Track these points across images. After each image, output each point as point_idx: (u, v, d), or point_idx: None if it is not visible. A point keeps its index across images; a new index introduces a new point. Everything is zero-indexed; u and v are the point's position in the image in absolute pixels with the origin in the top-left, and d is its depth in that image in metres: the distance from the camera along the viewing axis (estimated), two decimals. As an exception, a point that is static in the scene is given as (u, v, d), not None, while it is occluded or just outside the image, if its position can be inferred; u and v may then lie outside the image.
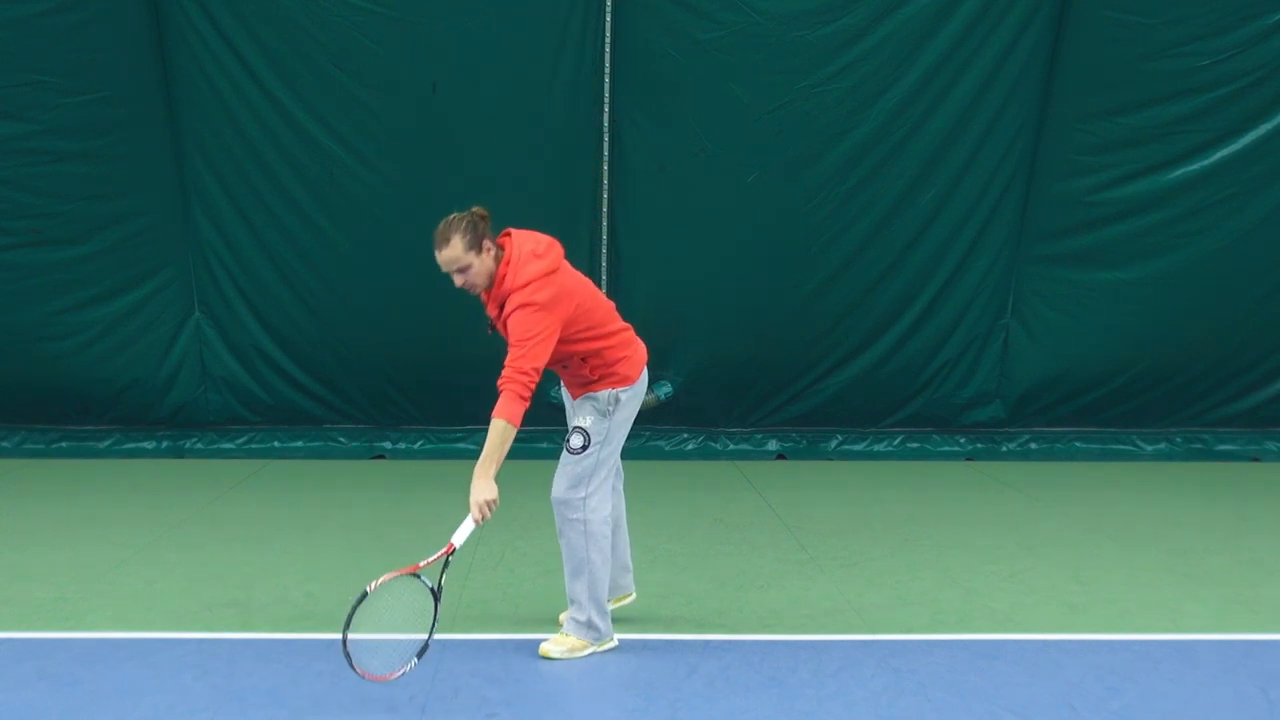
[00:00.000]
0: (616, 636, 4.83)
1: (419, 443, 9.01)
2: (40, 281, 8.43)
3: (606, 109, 8.28)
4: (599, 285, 8.52)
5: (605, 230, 8.57)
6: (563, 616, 4.86)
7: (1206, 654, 4.90)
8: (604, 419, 4.67)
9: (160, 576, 5.83)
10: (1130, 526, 7.06)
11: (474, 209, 4.52)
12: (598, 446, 4.66)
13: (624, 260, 8.68)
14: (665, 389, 8.89)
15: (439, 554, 4.35)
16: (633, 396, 4.73)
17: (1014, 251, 8.72)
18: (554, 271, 4.48)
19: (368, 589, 4.17)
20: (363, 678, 4.17)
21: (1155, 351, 8.99)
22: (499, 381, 4.35)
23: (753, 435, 9.17)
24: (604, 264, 8.62)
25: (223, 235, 8.53)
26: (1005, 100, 8.32)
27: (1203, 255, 8.66)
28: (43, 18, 7.77)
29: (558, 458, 4.73)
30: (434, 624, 4.33)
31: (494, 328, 4.62)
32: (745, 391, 9.06)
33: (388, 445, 9.02)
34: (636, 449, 8.38)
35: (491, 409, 4.34)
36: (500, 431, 4.32)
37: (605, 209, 8.52)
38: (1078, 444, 9.22)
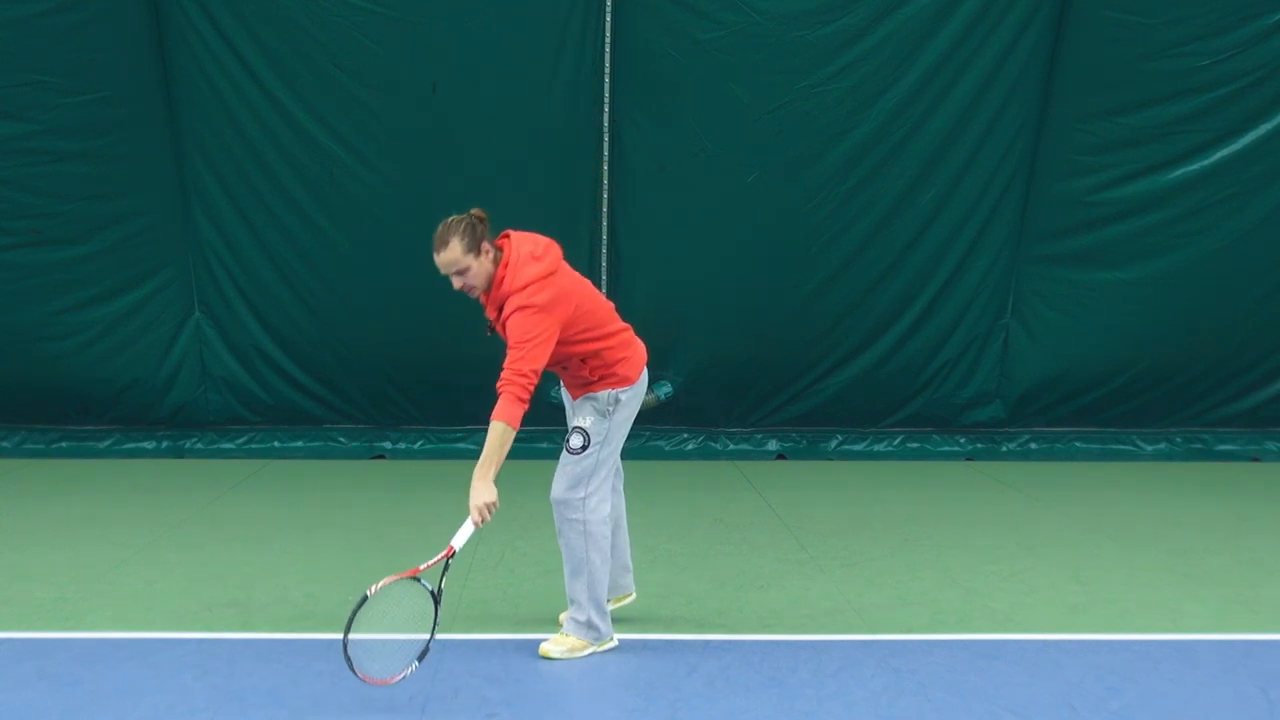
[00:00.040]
0: (616, 636, 4.83)
1: (419, 443, 9.02)
2: (40, 281, 8.43)
3: (606, 109, 8.28)
4: (599, 285, 8.52)
5: (605, 230, 8.57)
6: (563, 616, 4.86)
7: (1206, 654, 4.90)
8: (604, 419, 4.67)
9: (160, 576, 5.83)
10: (1130, 526, 7.06)
11: (472, 211, 4.52)
12: (597, 447, 4.66)
13: (624, 260, 8.68)
14: (665, 389, 8.89)
15: (439, 557, 4.35)
16: (633, 397, 4.73)
17: (1014, 251, 8.72)
18: (552, 273, 4.48)
19: (368, 593, 4.17)
20: (364, 682, 4.17)
21: (1155, 351, 8.99)
22: (498, 384, 4.35)
23: (753, 435, 9.17)
24: (604, 264, 8.62)
25: (223, 235, 8.53)
26: (1005, 100, 8.32)
27: (1203, 255, 8.66)
28: (43, 18, 7.77)
29: (557, 458, 4.73)
30: (434, 627, 4.34)
31: (493, 330, 4.62)
32: (745, 391, 9.06)
33: (388, 445, 9.02)
34: (636, 449, 8.38)
35: (491, 409, 4.35)
36: (499, 434, 4.32)
37: (605, 209, 8.52)
38: (1078, 444, 9.22)
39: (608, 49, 8.10)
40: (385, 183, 8.36)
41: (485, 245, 4.48)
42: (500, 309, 4.50)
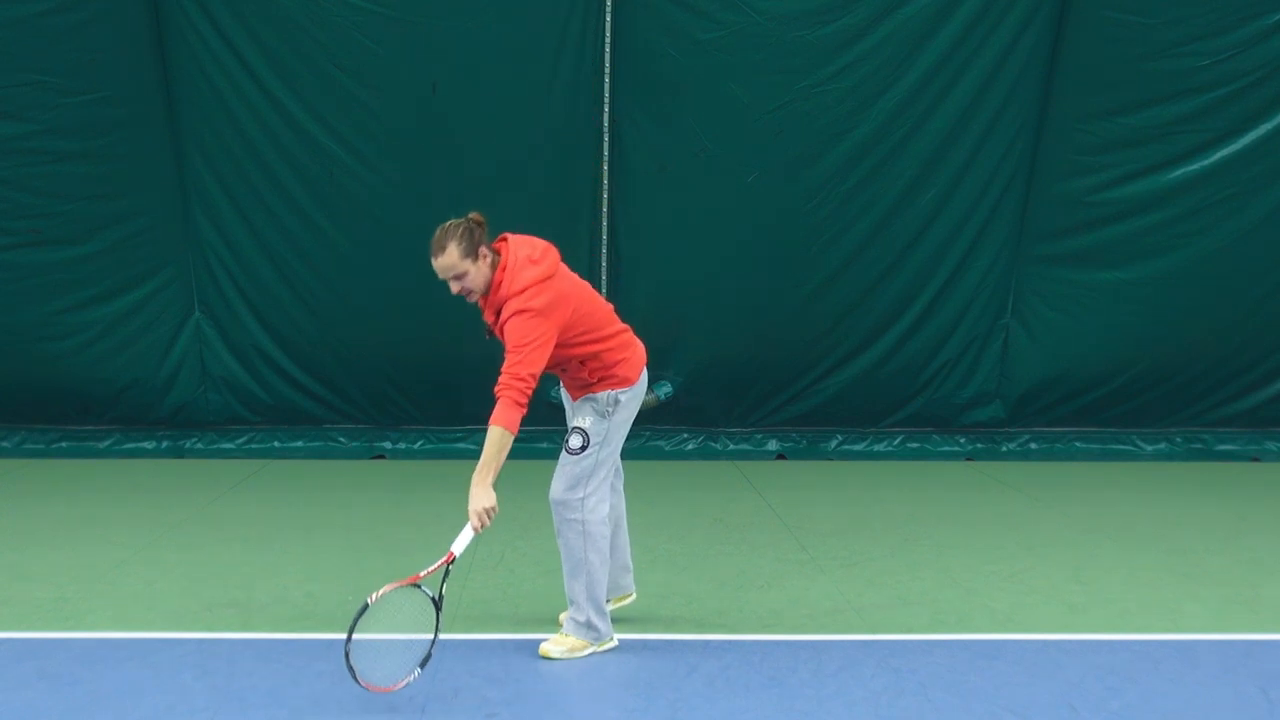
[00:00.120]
0: (616, 636, 4.83)
1: (419, 443, 9.02)
2: (40, 281, 8.43)
3: (606, 109, 8.28)
4: (599, 285, 8.53)
5: (605, 230, 8.57)
6: (563, 616, 4.86)
7: (1206, 654, 4.90)
8: (603, 420, 4.67)
9: (160, 576, 5.83)
10: (1130, 526, 7.06)
11: (470, 215, 4.52)
12: (596, 447, 4.66)
13: (624, 260, 8.68)
14: (665, 389, 8.89)
15: (439, 563, 4.35)
16: (632, 398, 4.73)
17: (1014, 251, 8.72)
18: (550, 277, 4.48)
19: (369, 601, 4.17)
20: (366, 689, 4.17)
21: (1155, 351, 8.99)
22: (496, 388, 4.35)
23: (753, 435, 9.17)
24: (604, 264, 8.62)
25: (223, 235, 8.53)
26: (1005, 100, 8.31)
27: (1203, 255, 8.66)
28: (43, 18, 7.77)
29: (557, 458, 4.73)
30: (436, 633, 4.33)
31: (491, 333, 4.62)
32: (745, 391, 9.06)
33: (388, 445, 9.02)
34: (636, 449, 8.38)
35: (491, 410, 4.35)
36: (497, 439, 4.32)
37: (605, 209, 8.52)
38: (1078, 444, 9.22)
39: (608, 49, 8.09)
40: (385, 183, 8.36)
41: (483, 249, 4.48)
42: (498, 313, 4.50)
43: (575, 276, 4.68)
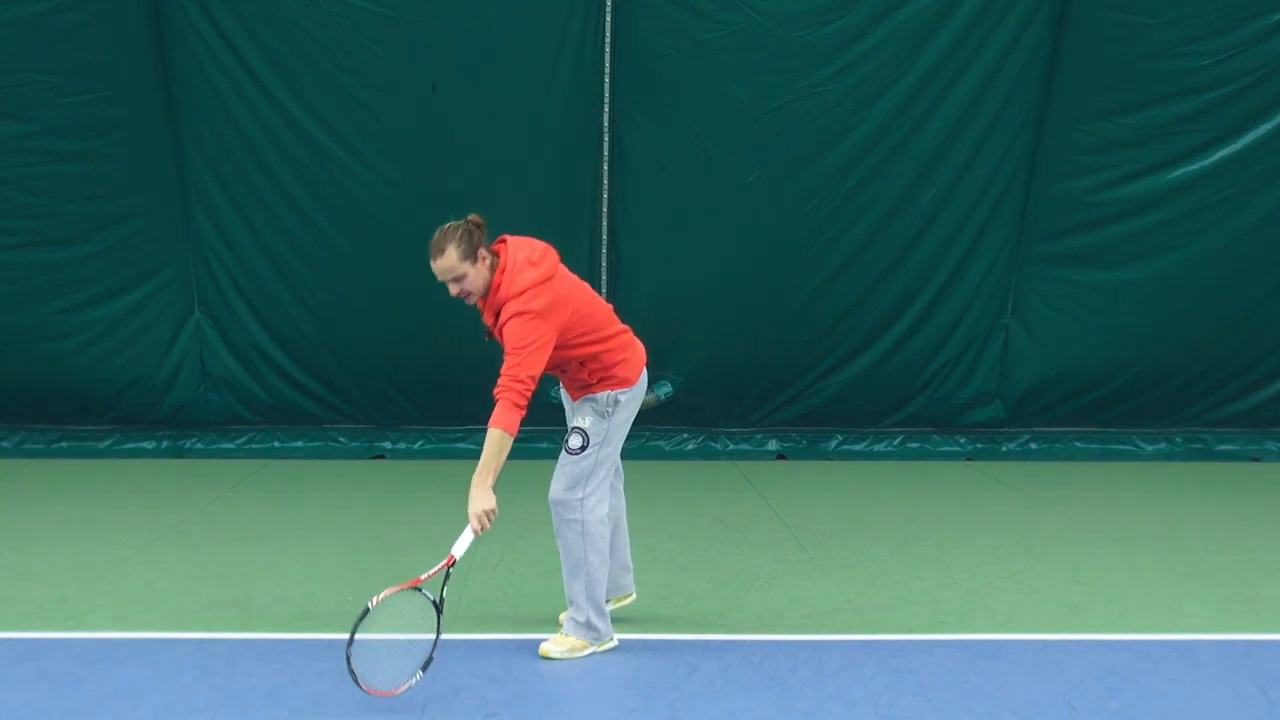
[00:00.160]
0: (616, 636, 4.83)
1: (419, 443, 9.02)
2: (40, 281, 8.43)
3: (606, 109, 8.28)
4: (599, 285, 8.53)
5: (605, 230, 8.57)
6: (563, 616, 4.86)
7: (1206, 654, 4.90)
8: (603, 420, 4.67)
9: (160, 576, 5.83)
10: (1130, 526, 7.06)
11: (469, 217, 4.52)
12: (596, 447, 4.66)
13: (624, 260, 8.67)
14: (665, 389, 8.89)
15: (440, 566, 4.35)
16: (632, 398, 4.73)
17: (1014, 251, 8.72)
18: (549, 279, 4.48)
19: (369, 605, 4.16)
20: (368, 694, 4.17)
21: (1155, 351, 8.99)
22: (495, 390, 4.35)
23: (753, 435, 9.17)
24: (604, 264, 8.62)
25: (223, 235, 8.53)
26: (1005, 100, 8.31)
27: (1203, 255, 8.66)
28: (43, 18, 7.77)
29: (557, 458, 4.73)
30: (438, 636, 4.33)
31: (490, 335, 4.62)
32: (745, 391, 9.06)
33: (388, 445, 9.02)
34: (636, 449, 8.38)
35: (491, 410, 4.35)
36: (496, 441, 4.32)
37: (605, 209, 8.52)
38: (1078, 444, 9.22)
39: (608, 49, 8.09)
40: (385, 183, 8.36)
41: (482, 252, 4.48)
42: (497, 315, 4.50)
43: (575, 277, 4.68)
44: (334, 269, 8.59)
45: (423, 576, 4.34)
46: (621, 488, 5.02)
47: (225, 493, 7.76)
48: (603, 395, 4.67)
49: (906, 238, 8.62)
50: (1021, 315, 8.90)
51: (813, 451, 9.11)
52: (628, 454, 5.03)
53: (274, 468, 8.63)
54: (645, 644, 4.89)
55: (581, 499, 4.64)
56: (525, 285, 4.42)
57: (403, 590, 4.28)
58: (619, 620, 4.98)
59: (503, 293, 4.46)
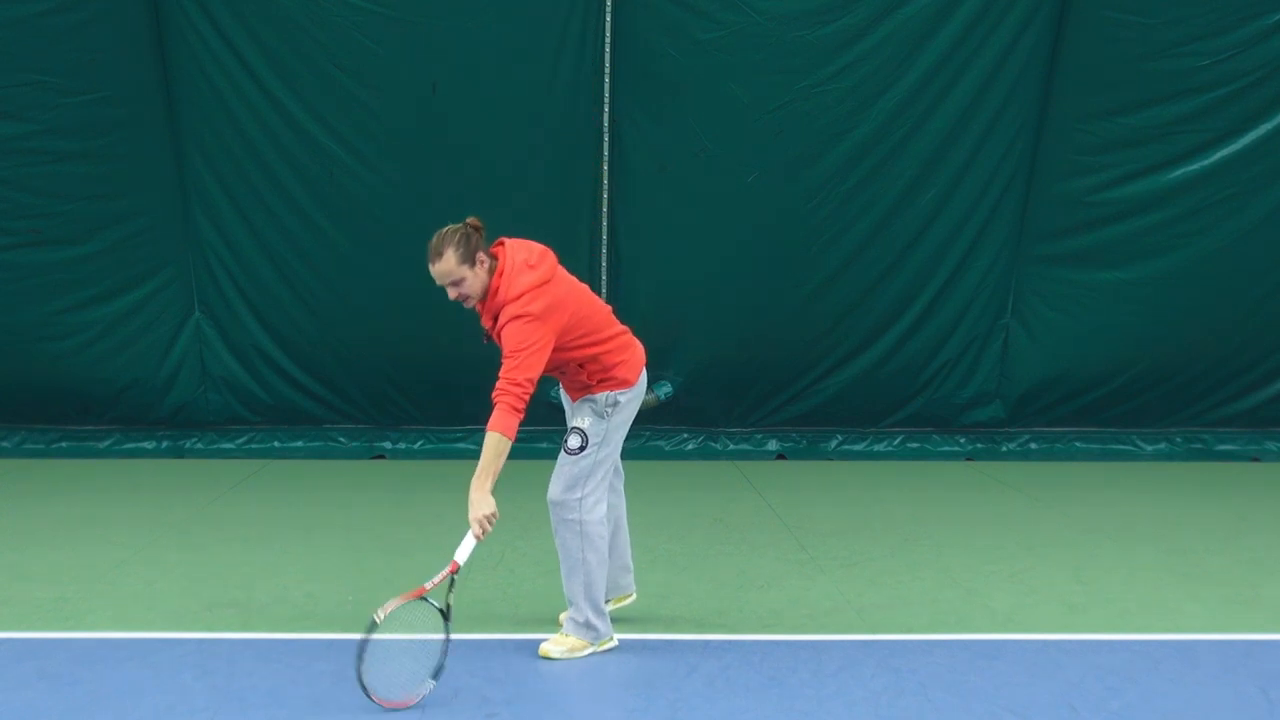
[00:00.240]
0: (616, 636, 4.83)
1: (419, 443, 9.01)
2: (40, 281, 8.43)
3: (606, 109, 8.28)
4: (599, 286, 8.53)
5: (605, 230, 8.57)
6: (563, 616, 4.86)
7: (1206, 654, 4.90)
8: (602, 420, 4.67)
9: (160, 576, 5.83)
10: (1130, 526, 7.06)
11: (468, 220, 4.51)
12: (595, 448, 4.66)
13: (624, 260, 8.67)
14: (665, 389, 8.89)
15: (443, 574, 4.34)
16: (631, 399, 4.73)
17: (1014, 251, 8.72)
18: (547, 281, 4.47)
19: (376, 618, 4.15)
20: (383, 707, 4.16)
21: (1155, 351, 8.99)
22: (493, 394, 4.35)
23: (753, 435, 9.17)
24: (604, 264, 8.62)
25: (223, 235, 8.53)
26: (1005, 100, 8.31)
27: (1203, 255, 8.66)
28: (43, 18, 7.77)
29: (556, 458, 4.73)
30: (446, 644, 4.32)
31: (489, 338, 4.61)
32: (745, 391, 9.06)
33: (388, 445, 9.02)
34: (636, 449, 8.38)
35: (491, 410, 4.35)
36: (495, 445, 4.31)
37: (605, 209, 8.52)
38: (1078, 444, 9.22)
39: (608, 49, 8.09)
40: (385, 183, 8.36)
41: (480, 255, 4.47)
42: (496, 318, 4.49)
43: (573, 279, 4.67)
44: (334, 269, 8.59)
45: (427, 586, 4.33)
46: (622, 488, 5.02)
47: (225, 493, 7.76)
48: (602, 396, 4.67)
49: (906, 238, 8.62)
50: (1021, 315, 8.90)
51: (813, 451, 9.11)
52: (628, 454, 5.03)
53: (274, 468, 8.63)
54: (645, 644, 4.88)
55: (580, 499, 4.64)
56: (523, 288, 4.42)
57: (408, 601, 4.27)
58: (619, 620, 4.98)
59: (501, 296, 4.46)
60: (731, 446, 9.10)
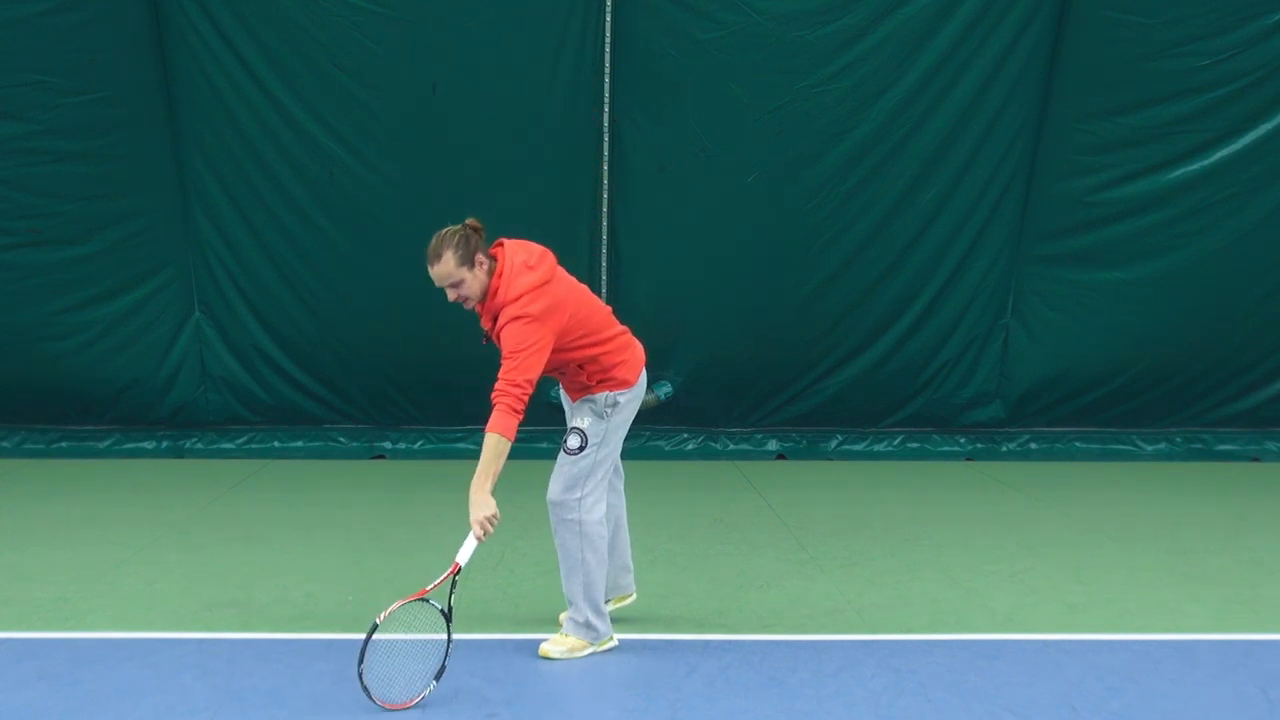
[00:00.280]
0: (616, 636, 4.83)
1: (419, 443, 9.01)
2: (40, 281, 8.43)
3: (606, 109, 8.28)
4: (599, 286, 8.53)
5: (605, 230, 8.57)
6: (563, 616, 4.86)
7: (1206, 654, 4.90)
8: (601, 421, 4.67)
9: (160, 576, 5.83)
10: (1130, 526, 7.06)
11: (467, 222, 4.51)
12: (595, 448, 4.66)
13: (624, 260, 8.67)
14: (665, 389, 8.88)
15: (445, 575, 4.35)
16: (631, 399, 4.73)
17: (1014, 251, 8.72)
18: (547, 282, 4.47)
19: (377, 620, 4.16)
20: (384, 708, 4.16)
21: (1155, 351, 8.99)
22: (492, 395, 4.35)
23: (753, 435, 9.17)
24: (604, 264, 8.62)
25: (223, 235, 8.53)
26: (1005, 100, 8.31)
27: (1203, 255, 8.66)
28: (43, 18, 7.77)
29: (555, 458, 4.73)
30: (449, 646, 4.32)
31: (489, 339, 4.61)
32: (745, 391, 9.06)
33: (388, 445, 9.02)
34: (636, 449, 8.38)
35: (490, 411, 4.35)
36: (494, 446, 4.32)
37: (605, 209, 8.52)
38: (1078, 444, 9.22)
39: (608, 49, 8.09)
40: (385, 183, 8.36)
41: (479, 257, 4.47)
42: (495, 319, 4.49)
43: (573, 280, 4.67)
44: (334, 269, 8.59)
45: (429, 587, 4.34)
46: (622, 488, 5.02)
47: (225, 493, 7.77)
48: (601, 396, 4.67)
49: (906, 238, 8.62)
50: (1021, 315, 8.90)
51: (813, 451, 9.11)
52: (628, 454, 5.03)
53: (274, 468, 8.63)
54: (645, 644, 4.89)
55: (579, 499, 4.64)
56: (522, 289, 4.42)
57: (409, 602, 4.27)
58: (619, 620, 4.98)
59: (500, 297, 4.46)
60: (731, 446, 9.10)
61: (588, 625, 4.73)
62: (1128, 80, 8.21)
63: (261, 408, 8.96)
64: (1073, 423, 9.25)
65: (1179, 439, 9.26)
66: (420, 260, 4.53)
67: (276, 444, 8.97)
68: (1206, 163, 8.44)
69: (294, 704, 4.24)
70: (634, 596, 5.10)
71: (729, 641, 4.95)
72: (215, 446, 8.96)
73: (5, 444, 8.83)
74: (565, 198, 8.47)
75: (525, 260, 4.51)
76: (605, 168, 8.40)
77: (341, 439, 9.02)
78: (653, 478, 8.08)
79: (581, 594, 4.69)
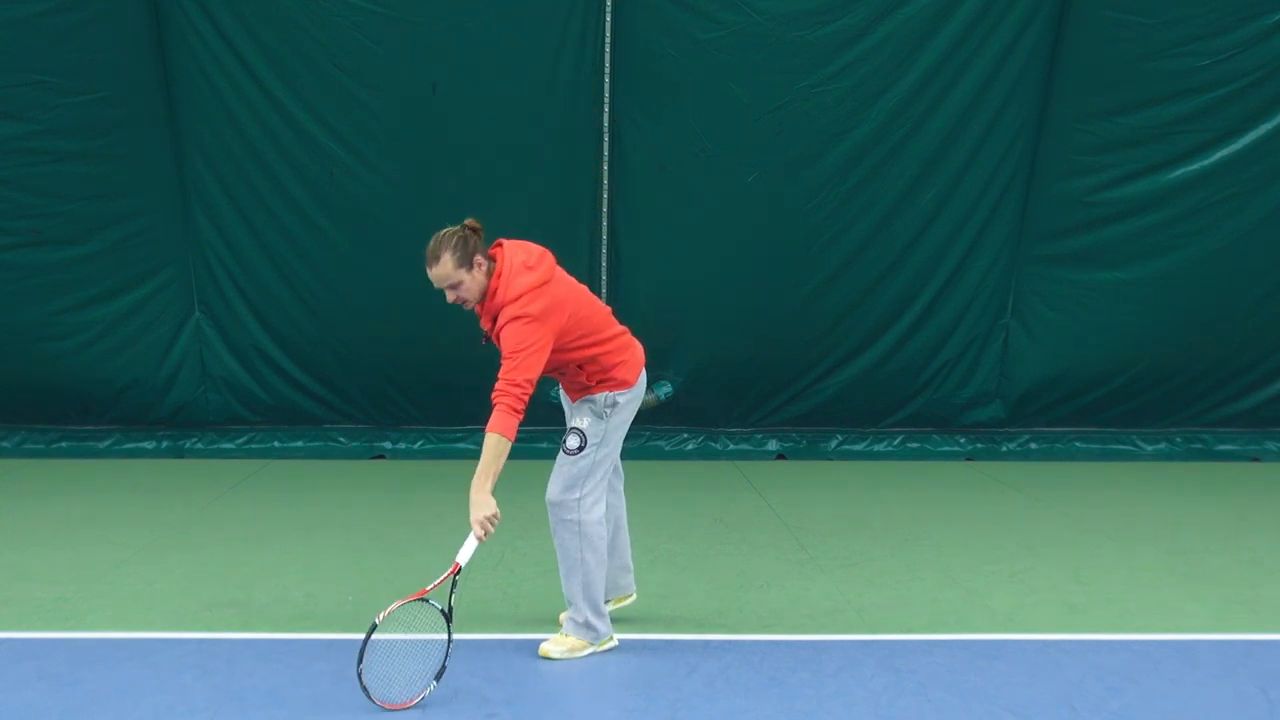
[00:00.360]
0: (616, 636, 4.83)
1: (419, 443, 9.01)
2: (40, 281, 8.43)
3: (606, 109, 8.28)
4: (599, 286, 8.53)
5: (605, 230, 8.57)
6: (563, 616, 4.86)
7: (1206, 654, 4.90)
8: (601, 421, 4.67)
9: (160, 576, 5.83)
10: (1130, 526, 7.06)
11: (466, 222, 4.51)
12: (594, 448, 4.65)
13: (624, 260, 8.67)
14: (665, 389, 8.89)
15: (445, 575, 4.35)
16: (630, 399, 4.73)
17: (1014, 251, 8.72)
18: (546, 283, 4.47)
19: (377, 620, 4.15)
20: (384, 709, 4.16)
21: (1155, 351, 8.99)
22: (492, 395, 4.35)
23: (753, 435, 9.17)
24: (604, 264, 8.62)
25: (223, 235, 8.53)
26: (1005, 100, 8.31)
27: (1203, 255, 8.66)
28: (43, 18, 7.77)
29: (555, 458, 4.73)
30: (449, 646, 4.32)
31: (488, 340, 4.61)
32: (745, 391, 9.06)
33: (388, 445, 9.02)
34: (636, 449, 8.38)
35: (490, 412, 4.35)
36: (494, 446, 4.32)
37: (605, 209, 8.52)
38: (1078, 444, 9.22)
39: (608, 49, 8.09)
40: (385, 183, 8.36)
41: (478, 258, 4.47)
42: (495, 319, 4.49)
43: (572, 280, 4.67)
44: (334, 269, 8.59)
45: (429, 587, 4.34)
46: (621, 488, 5.02)
47: (225, 493, 7.77)
48: (601, 397, 4.67)
49: (906, 238, 8.62)
50: (1021, 315, 8.90)
51: (813, 451, 9.11)
52: (628, 454, 5.03)
53: (274, 468, 8.63)
54: (645, 644, 4.89)
55: (578, 499, 4.64)
56: (522, 290, 4.42)
57: (409, 602, 4.27)
58: (619, 620, 4.98)
59: (499, 298, 4.46)
60: (731, 446, 9.10)
61: (587, 625, 4.73)
62: (1128, 80, 8.21)
63: (261, 408, 8.96)
64: (1073, 423, 9.25)
65: (1179, 439, 9.26)
66: (420, 260, 4.53)
67: (276, 444, 8.97)
68: (1206, 163, 8.44)
69: (294, 704, 4.24)
70: (634, 597, 5.10)
71: (729, 641, 4.95)
72: (215, 446, 8.96)
73: (5, 444, 8.83)
74: (565, 198, 8.47)
75: (524, 260, 4.50)
76: (605, 168, 8.40)
77: (341, 439, 9.02)
78: (653, 478, 8.08)
79: (581, 594, 4.69)
